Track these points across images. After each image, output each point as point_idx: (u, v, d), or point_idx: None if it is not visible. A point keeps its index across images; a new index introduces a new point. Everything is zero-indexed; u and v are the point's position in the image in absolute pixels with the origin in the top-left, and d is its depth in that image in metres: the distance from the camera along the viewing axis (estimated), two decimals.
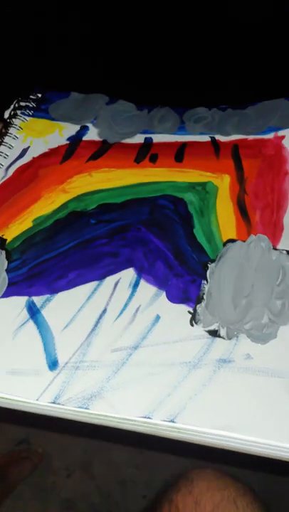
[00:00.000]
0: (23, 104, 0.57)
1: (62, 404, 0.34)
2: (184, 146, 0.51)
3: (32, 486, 0.91)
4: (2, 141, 0.53)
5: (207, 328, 0.37)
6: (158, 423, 0.33)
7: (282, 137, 0.50)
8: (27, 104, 0.57)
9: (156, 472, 0.90)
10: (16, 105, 0.57)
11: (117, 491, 0.90)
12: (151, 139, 0.52)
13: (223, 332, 0.37)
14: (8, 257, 0.43)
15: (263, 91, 0.55)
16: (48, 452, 0.95)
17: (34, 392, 0.35)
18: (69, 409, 0.34)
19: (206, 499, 0.46)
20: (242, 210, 0.45)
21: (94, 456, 0.94)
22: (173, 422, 0.33)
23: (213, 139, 0.52)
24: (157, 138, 0.52)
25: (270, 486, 0.83)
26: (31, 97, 0.57)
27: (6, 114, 0.56)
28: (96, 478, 0.92)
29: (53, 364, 0.36)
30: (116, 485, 0.91)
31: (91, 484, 0.91)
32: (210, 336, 0.37)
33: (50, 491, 0.91)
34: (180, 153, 0.51)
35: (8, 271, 0.42)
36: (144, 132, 0.53)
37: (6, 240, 0.45)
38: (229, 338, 0.37)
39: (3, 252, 0.43)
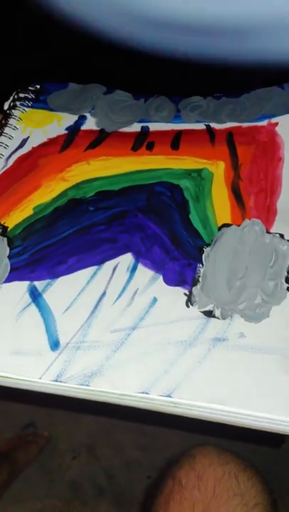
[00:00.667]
0: (22, 95, 0.58)
1: (64, 382, 0.36)
2: (179, 134, 0.52)
3: (39, 469, 0.94)
4: (2, 132, 0.54)
5: (202, 309, 0.39)
6: (155, 398, 0.35)
7: (276, 124, 0.51)
8: (26, 95, 0.58)
9: (159, 453, 0.92)
10: (16, 96, 0.57)
11: (122, 472, 0.93)
12: (147, 127, 0.53)
13: (217, 312, 0.38)
14: (9, 244, 0.44)
15: (256, 79, 0.56)
16: (53, 436, 0.97)
17: (37, 371, 0.36)
18: (71, 387, 0.36)
19: (208, 474, 0.48)
20: (236, 195, 0.46)
21: (98, 438, 0.96)
22: (169, 396, 0.34)
23: (208, 127, 0.53)
24: (154, 126, 0.53)
25: (265, 458, 0.85)
26: (30, 88, 0.58)
27: (6, 106, 0.57)
28: (101, 460, 0.94)
29: (54, 345, 0.38)
30: (121, 466, 0.93)
31: (96, 466, 0.93)
32: (205, 317, 0.38)
33: (57, 473, 0.93)
34: (176, 141, 0.52)
35: (10, 257, 0.43)
36: (140, 121, 0.54)
37: (7, 227, 0.46)
38: (224, 318, 0.38)
39: (5, 239, 0.45)
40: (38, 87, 0.59)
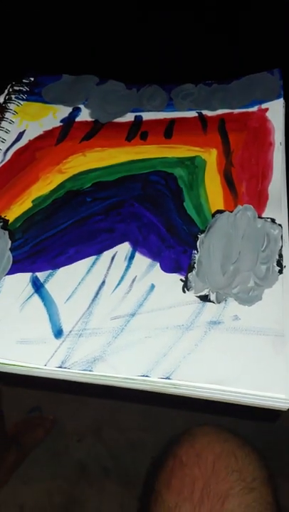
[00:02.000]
0: (16, 88, 0.58)
1: (69, 368, 0.37)
2: (172, 122, 0.53)
3: (45, 451, 0.95)
4: None
5: (198, 294, 0.40)
6: (155, 380, 0.36)
7: (266, 110, 0.52)
8: (21, 88, 0.58)
9: (163, 434, 0.93)
10: (10, 90, 0.58)
11: (127, 453, 0.95)
12: (141, 117, 0.54)
13: (213, 297, 0.40)
14: (11, 237, 0.45)
15: (246, 65, 0.57)
16: (59, 419, 0.99)
17: (42, 359, 0.37)
18: (75, 372, 0.37)
19: (207, 451, 0.49)
20: (229, 181, 0.47)
21: (103, 421, 0.98)
22: (169, 378, 0.36)
23: (200, 115, 0.53)
24: (147, 116, 0.54)
25: (262, 435, 0.87)
26: (24, 81, 0.59)
27: (1, 99, 0.57)
28: (106, 442, 0.96)
29: (58, 333, 0.39)
30: (125, 448, 0.95)
31: (101, 448, 0.95)
32: (201, 301, 0.40)
33: (63, 455, 0.96)
34: (169, 130, 0.53)
35: (11, 250, 0.44)
36: (134, 111, 0.55)
37: (8, 220, 0.47)
38: (218, 302, 0.39)
39: (7, 232, 0.45)
40: (32, 79, 0.59)
